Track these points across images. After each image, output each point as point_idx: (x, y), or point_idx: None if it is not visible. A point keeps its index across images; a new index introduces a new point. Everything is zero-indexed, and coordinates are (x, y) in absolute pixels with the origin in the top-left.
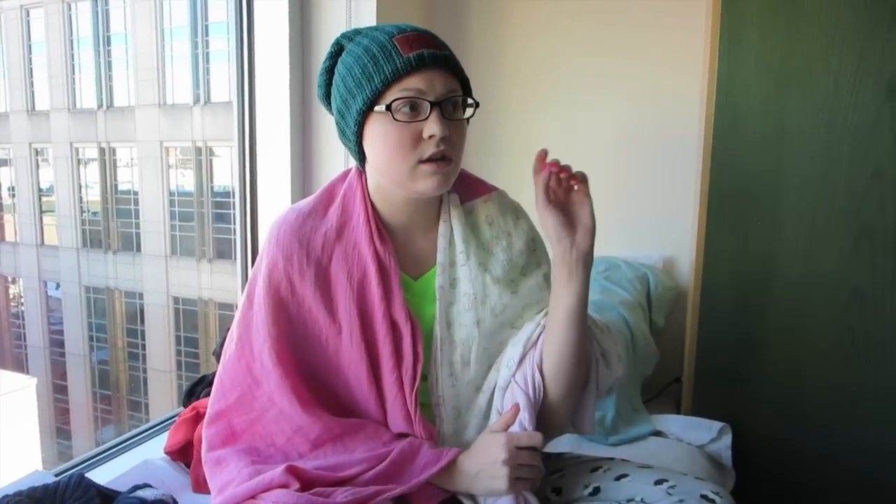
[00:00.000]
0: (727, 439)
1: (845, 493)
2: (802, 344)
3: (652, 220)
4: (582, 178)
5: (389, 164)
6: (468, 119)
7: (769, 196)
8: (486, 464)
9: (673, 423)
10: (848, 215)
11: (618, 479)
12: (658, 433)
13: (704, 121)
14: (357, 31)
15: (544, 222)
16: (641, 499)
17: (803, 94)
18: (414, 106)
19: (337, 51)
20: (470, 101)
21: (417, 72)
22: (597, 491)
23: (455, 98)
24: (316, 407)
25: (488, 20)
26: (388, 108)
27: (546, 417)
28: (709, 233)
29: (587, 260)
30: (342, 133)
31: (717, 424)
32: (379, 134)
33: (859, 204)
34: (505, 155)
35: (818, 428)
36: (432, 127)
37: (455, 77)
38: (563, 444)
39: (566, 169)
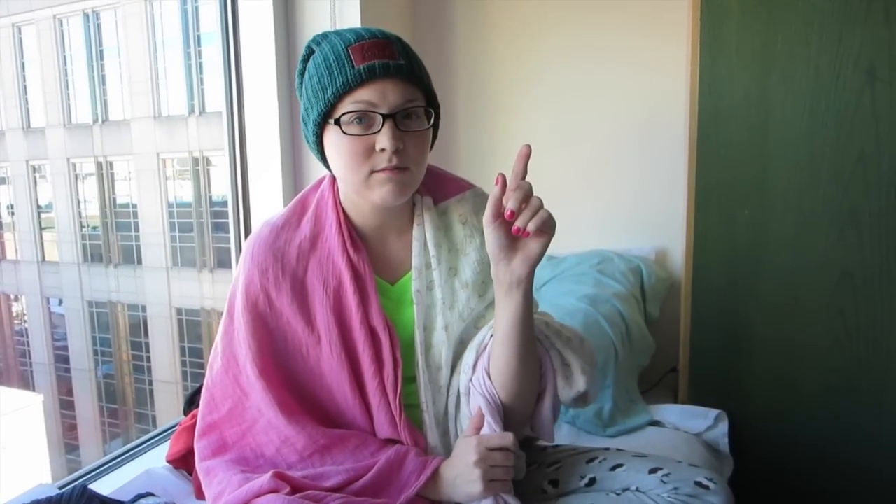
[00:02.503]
0: (723, 426)
1: (841, 476)
2: (794, 329)
3: (643, 212)
4: (542, 227)
5: (345, 174)
6: (434, 127)
7: (756, 184)
8: (461, 468)
9: (670, 412)
10: (834, 200)
11: (613, 468)
12: (656, 423)
13: (689, 112)
14: (325, 36)
15: (487, 238)
16: (637, 488)
17: (785, 81)
18: (366, 118)
19: (308, 54)
20: (431, 109)
21: (369, 83)
22: (593, 482)
23: (412, 108)
24: (301, 417)
25: (473, 19)
26: (338, 121)
27: (506, 418)
28: (698, 223)
29: (523, 286)
30: (306, 140)
31: (714, 412)
32: (333, 144)
33: (845, 188)
34: (492, 155)
35: (813, 411)
36: (383, 140)
37: (416, 86)
38: (561, 436)
39: (524, 230)
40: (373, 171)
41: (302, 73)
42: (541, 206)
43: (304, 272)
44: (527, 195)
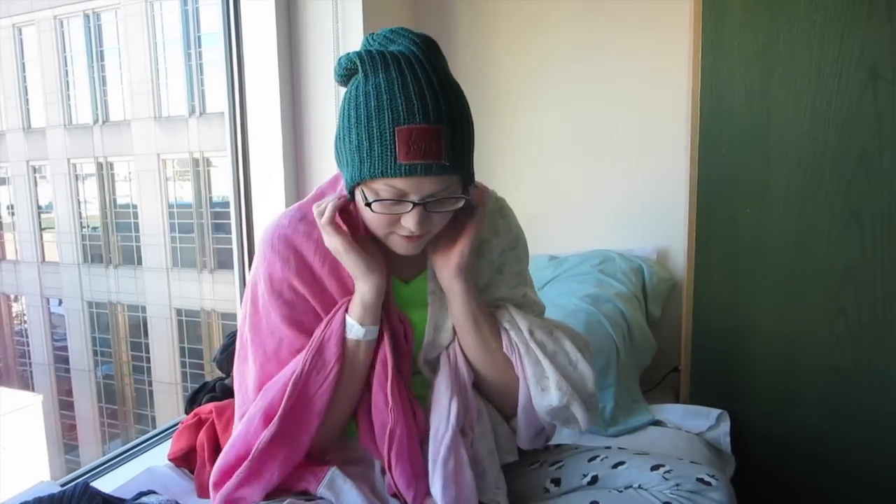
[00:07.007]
0: (725, 426)
1: (843, 475)
2: (796, 328)
3: (645, 212)
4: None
5: (368, 224)
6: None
7: (758, 184)
8: None
9: (672, 411)
10: (836, 199)
11: (615, 466)
12: (657, 422)
13: (691, 112)
14: (373, 65)
15: None
16: (639, 485)
17: (787, 80)
18: (396, 203)
19: (352, 68)
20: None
21: (409, 177)
22: (595, 480)
23: (443, 197)
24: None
25: (474, 18)
26: (368, 203)
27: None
28: (700, 223)
29: (450, 291)
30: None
31: (715, 411)
32: (360, 201)
33: (847, 187)
34: (493, 153)
35: (814, 411)
36: (409, 222)
37: (455, 175)
38: (564, 436)
39: None
40: (393, 232)
41: (349, 71)
42: None
43: (322, 265)
44: None
